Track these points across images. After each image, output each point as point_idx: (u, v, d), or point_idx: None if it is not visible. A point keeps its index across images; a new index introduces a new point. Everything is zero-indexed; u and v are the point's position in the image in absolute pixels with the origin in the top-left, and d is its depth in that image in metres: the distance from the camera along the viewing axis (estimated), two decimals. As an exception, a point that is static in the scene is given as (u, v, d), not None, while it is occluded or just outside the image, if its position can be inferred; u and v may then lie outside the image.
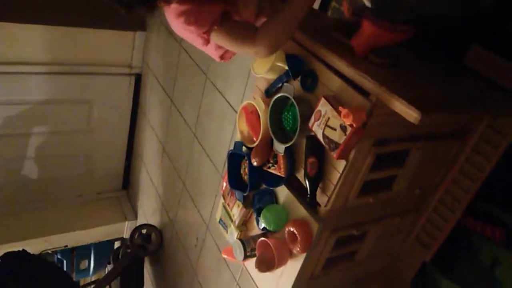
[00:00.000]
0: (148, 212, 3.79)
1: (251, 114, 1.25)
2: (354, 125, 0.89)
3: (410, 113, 0.82)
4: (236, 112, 2.38)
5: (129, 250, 3.50)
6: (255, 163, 1.17)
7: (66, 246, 3.85)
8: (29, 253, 3.04)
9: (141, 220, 3.95)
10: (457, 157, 1.17)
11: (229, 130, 2.45)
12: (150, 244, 3.47)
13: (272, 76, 1.15)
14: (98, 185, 4.15)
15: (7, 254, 2.89)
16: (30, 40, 3.08)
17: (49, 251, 3.72)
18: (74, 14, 3.30)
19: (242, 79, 2.29)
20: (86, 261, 4.06)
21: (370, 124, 0.92)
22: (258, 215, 1.21)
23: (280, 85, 1.12)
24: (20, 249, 3.04)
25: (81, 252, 3.97)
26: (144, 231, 3.53)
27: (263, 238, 1.13)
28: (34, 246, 3.43)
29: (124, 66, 3.69)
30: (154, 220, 3.63)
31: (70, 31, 3.19)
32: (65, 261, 3.86)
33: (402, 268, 1.38)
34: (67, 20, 3.18)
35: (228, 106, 2.45)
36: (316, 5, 1.76)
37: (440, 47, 1.19)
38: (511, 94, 1.07)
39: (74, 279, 3.66)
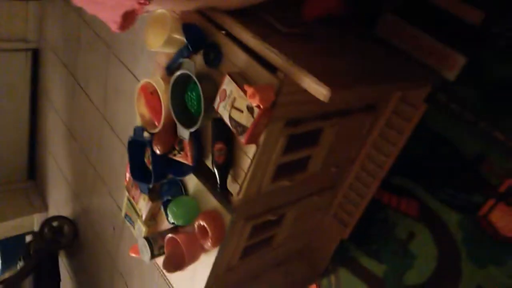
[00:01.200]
0: (60, 202, 3.47)
1: (151, 95, 1.09)
2: (262, 106, 0.79)
3: (319, 90, 0.74)
4: (147, 90, 2.18)
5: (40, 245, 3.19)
6: (158, 151, 1.04)
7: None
8: None
9: (52, 212, 3.62)
10: (370, 132, 1.13)
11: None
12: (63, 237, 3.19)
13: (171, 50, 1.00)
14: (0, 178, 3.70)
15: None
16: None
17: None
18: None
19: (150, 52, 2.08)
20: (-6, 258, 3.67)
21: (279, 103, 0.82)
22: (166, 208, 1.09)
23: (181, 60, 0.98)
24: None
25: (-14, 249, 3.57)
26: (55, 223, 3.22)
27: (170, 235, 1.01)
28: None
29: (18, 41, 3.25)
30: (66, 211, 3.33)
31: None
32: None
33: (322, 246, 1.35)
34: None
35: (137, 82, 2.24)
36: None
37: (353, 15, 1.13)
38: (423, 66, 1.05)
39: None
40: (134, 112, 2.39)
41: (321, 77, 0.74)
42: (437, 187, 1.05)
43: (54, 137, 3.29)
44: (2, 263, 3.80)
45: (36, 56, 3.30)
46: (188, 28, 0.91)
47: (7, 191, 3.81)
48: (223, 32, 0.91)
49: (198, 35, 0.92)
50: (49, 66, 3.14)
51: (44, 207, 3.75)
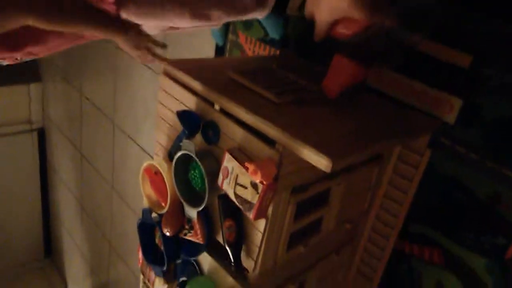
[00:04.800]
0: (78, 278, 3.41)
1: (156, 175, 1.10)
2: (265, 182, 0.78)
3: (320, 161, 0.73)
4: (152, 157, 2.20)
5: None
6: (168, 233, 1.02)
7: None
8: None
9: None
10: (380, 182, 1.11)
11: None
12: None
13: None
14: (17, 257, 3.69)
15: None
16: None
17: None
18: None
19: (151, 121, 2.12)
20: None
21: (282, 175, 0.81)
22: (183, 289, 1.06)
23: (180, 143, 0.98)
24: None
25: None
26: (75, 301, 3.16)
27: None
28: None
29: (23, 123, 3.34)
30: (86, 286, 3.27)
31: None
32: None
33: (350, 304, 1.29)
34: None
35: (142, 152, 2.26)
36: (211, 52, 1.67)
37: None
38: (421, 112, 1.04)
39: None
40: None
41: (320, 147, 0.74)
42: (457, 232, 1.02)
43: (67, 213, 3.29)
44: None
45: (42, 135, 3.38)
46: (183, 115, 0.93)
47: (25, 271, 3.78)
48: (217, 108, 0.92)
49: (193, 120, 0.93)
50: (55, 143, 3.20)
51: (63, 284, 3.69)
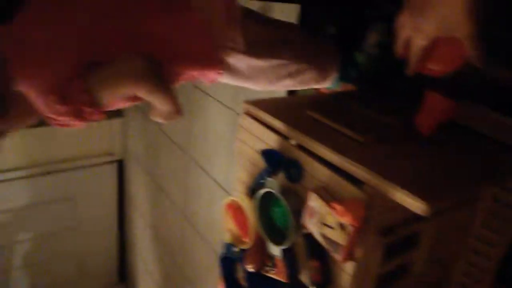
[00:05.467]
0: (150, 305, 3.52)
1: (237, 211, 1.12)
2: (354, 224, 0.77)
3: (415, 205, 0.71)
4: (224, 190, 2.25)
5: None
6: (251, 269, 1.03)
7: None
8: None
9: (144, 314, 3.67)
10: (472, 223, 1.04)
11: (220, 209, 2.31)
12: None
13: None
14: (94, 283, 3.90)
15: None
16: (6, 147, 3.00)
17: None
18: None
19: (224, 155, 2.19)
20: None
21: (371, 216, 0.80)
22: (265, 328, 1.05)
23: (261, 180, 1.01)
24: None
25: None
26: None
27: None
28: None
29: (105, 155, 3.60)
30: (157, 313, 3.36)
31: (46, 131, 3.12)
32: None
33: None
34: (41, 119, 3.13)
35: (215, 183, 2.33)
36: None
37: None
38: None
39: None
40: (213, 211, 2.47)
41: (415, 189, 0.72)
42: None
43: (141, 241, 3.45)
44: None
45: (121, 166, 3.61)
46: (266, 153, 0.95)
47: (101, 296, 3.98)
48: (293, 142, 0.95)
49: (276, 158, 0.95)
50: (132, 174, 3.40)
51: (136, 309, 3.83)
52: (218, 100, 2.17)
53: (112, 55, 0.74)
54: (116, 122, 3.47)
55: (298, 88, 1.31)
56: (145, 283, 3.54)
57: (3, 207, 3.12)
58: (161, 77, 0.76)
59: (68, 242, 3.55)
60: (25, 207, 3.19)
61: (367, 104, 1.12)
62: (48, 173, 3.27)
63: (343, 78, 1.38)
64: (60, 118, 0.73)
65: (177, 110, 0.80)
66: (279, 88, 1.26)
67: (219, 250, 2.44)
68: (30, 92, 0.72)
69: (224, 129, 2.17)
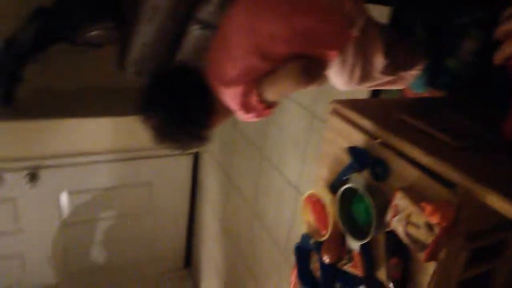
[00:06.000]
0: (211, 292, 3.68)
1: (316, 204, 1.17)
2: (443, 224, 0.78)
3: (509, 210, 0.71)
4: (295, 188, 2.31)
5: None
6: (327, 260, 1.07)
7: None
8: None
9: (204, 301, 3.84)
10: None
11: (289, 207, 2.37)
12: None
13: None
14: (160, 266, 4.14)
15: None
16: (98, 132, 3.30)
17: None
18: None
19: (297, 154, 2.25)
20: None
21: (460, 219, 0.80)
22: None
23: (344, 177, 1.04)
24: None
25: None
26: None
27: None
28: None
29: (183, 147, 3.80)
30: (218, 301, 3.50)
31: (135, 120, 3.39)
32: None
33: None
34: (132, 110, 3.41)
35: (285, 182, 2.39)
36: (364, 92, 1.73)
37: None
38: None
39: None
40: (282, 209, 2.52)
41: (509, 194, 0.72)
42: None
43: (209, 231, 3.61)
44: None
45: (196, 158, 3.81)
46: (354, 151, 0.99)
47: (166, 279, 4.21)
48: (378, 141, 0.97)
49: (363, 156, 0.98)
50: (207, 168, 3.57)
51: (197, 296, 4.01)
52: (296, 102, 2.24)
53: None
54: (195, 117, 3.66)
55: (383, 88, 1.35)
56: (209, 271, 3.70)
57: (91, 185, 3.44)
58: (313, 71, 1.11)
59: (142, 224, 3.81)
60: (110, 188, 3.49)
61: (459, 110, 1.11)
62: (132, 159, 3.54)
63: (432, 83, 1.37)
64: (247, 119, 1.24)
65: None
66: (366, 87, 1.30)
67: (285, 247, 2.50)
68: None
69: (299, 130, 2.22)
